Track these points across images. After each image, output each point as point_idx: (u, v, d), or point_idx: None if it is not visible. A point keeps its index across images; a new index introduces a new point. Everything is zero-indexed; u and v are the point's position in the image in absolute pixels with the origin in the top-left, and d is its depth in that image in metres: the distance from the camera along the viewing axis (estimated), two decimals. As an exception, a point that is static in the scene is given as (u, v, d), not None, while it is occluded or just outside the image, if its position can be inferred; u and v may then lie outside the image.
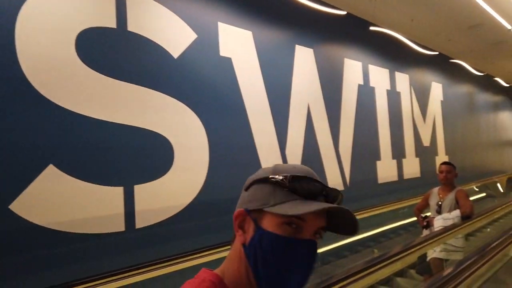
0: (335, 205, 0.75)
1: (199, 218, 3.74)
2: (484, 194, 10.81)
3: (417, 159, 7.60)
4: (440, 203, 3.60)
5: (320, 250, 4.96)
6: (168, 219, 3.47)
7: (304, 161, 4.93)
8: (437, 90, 8.69)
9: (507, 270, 4.01)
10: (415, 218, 6.69)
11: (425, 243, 3.06)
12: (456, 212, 3.36)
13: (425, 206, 3.88)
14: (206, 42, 3.96)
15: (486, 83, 11.57)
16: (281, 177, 0.76)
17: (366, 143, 6.29)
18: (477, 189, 10.52)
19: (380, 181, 6.47)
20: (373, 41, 6.67)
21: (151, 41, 3.48)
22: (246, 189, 0.81)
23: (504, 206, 6.15)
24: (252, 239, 0.76)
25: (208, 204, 3.79)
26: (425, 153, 7.91)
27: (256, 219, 0.76)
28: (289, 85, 4.95)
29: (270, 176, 0.78)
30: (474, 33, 7.61)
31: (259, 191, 0.78)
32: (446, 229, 3.23)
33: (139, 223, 3.26)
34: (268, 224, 0.75)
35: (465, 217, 3.42)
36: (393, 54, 7.22)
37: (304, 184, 0.76)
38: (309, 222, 0.74)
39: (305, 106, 5.15)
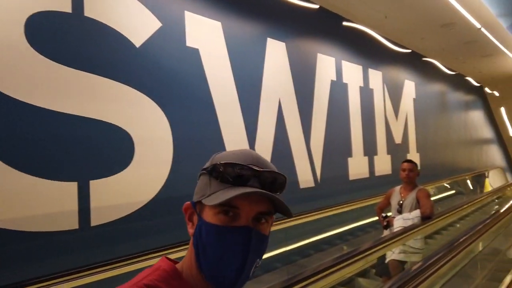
0: (254, 190, 0.73)
1: (161, 215, 3.58)
2: (454, 191, 11.07)
3: (389, 156, 7.65)
4: (401, 202, 3.53)
5: (284, 249, 4.97)
6: (127, 216, 3.30)
7: (274, 156, 4.83)
8: (409, 88, 8.76)
9: (473, 265, 4.11)
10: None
11: (381, 246, 2.94)
12: (416, 212, 3.30)
13: (387, 205, 3.79)
14: (171, 32, 3.79)
15: (458, 82, 11.80)
16: (210, 167, 0.77)
17: (338, 140, 6.25)
18: (448, 186, 10.76)
19: (351, 177, 6.46)
20: (347, 37, 6.63)
21: (111, 28, 3.29)
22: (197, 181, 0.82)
23: (470, 203, 6.25)
24: (195, 231, 0.77)
25: (172, 201, 3.64)
26: (396, 150, 7.97)
27: (199, 211, 0.77)
28: (260, 79, 4.83)
29: (205, 167, 0.79)
30: (446, 32, 7.69)
31: (200, 183, 0.79)
32: (405, 230, 3.16)
33: (95, 221, 3.08)
34: (207, 214, 0.75)
35: (425, 218, 3.35)
36: (367, 51, 7.21)
37: (233, 170, 0.74)
38: (243, 209, 0.73)
39: (276, 101, 5.04)
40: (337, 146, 6.20)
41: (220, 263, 0.73)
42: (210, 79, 4.13)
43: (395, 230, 3.31)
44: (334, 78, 6.24)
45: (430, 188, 9.56)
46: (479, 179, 12.25)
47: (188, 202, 0.81)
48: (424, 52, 9.26)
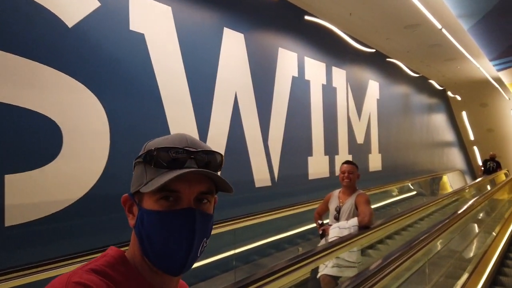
0: (189, 169, 0.73)
1: (93, 214, 3.25)
2: (415, 192, 11.19)
3: (350, 156, 7.55)
4: (338, 208, 3.23)
5: (247, 247, 4.77)
6: (51, 216, 2.95)
7: (228, 153, 4.57)
8: (373, 88, 8.72)
9: (431, 263, 4.01)
10: None
11: (309, 260, 2.50)
12: (354, 221, 2.93)
13: (325, 210, 3.48)
14: (112, 13, 3.44)
15: (422, 84, 11.95)
16: (143, 154, 0.76)
17: (298, 138, 6.07)
18: (412, 187, 10.87)
19: (311, 177, 6.30)
20: (310, 33, 6.45)
21: (38, 3, 2.92)
22: (133, 171, 0.81)
23: (426, 205, 6.22)
24: (136, 221, 0.76)
25: (106, 199, 3.31)
26: (358, 150, 7.90)
27: (138, 201, 0.77)
28: (215, 71, 4.56)
29: (139, 155, 0.78)
30: (410, 34, 7.66)
31: (136, 173, 0.78)
32: (341, 240, 2.80)
33: (10, 220, 2.72)
34: (147, 203, 0.75)
35: (363, 227, 2.99)
36: (331, 48, 7.07)
37: (168, 154, 0.74)
38: (183, 191, 0.74)
39: (232, 95, 4.79)
40: (296, 144, 6.02)
41: (167, 248, 0.73)
42: (156, 68, 3.82)
43: (329, 240, 2.96)
44: (296, 74, 6.04)
45: (395, 188, 9.64)
46: (439, 181, 12.51)
47: (126, 195, 0.79)
48: (389, 53, 9.26)
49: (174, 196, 0.73)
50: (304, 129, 6.24)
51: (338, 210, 3.18)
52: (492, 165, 12.62)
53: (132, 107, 3.59)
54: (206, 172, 0.74)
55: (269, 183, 5.38)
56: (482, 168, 12.97)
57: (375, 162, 8.62)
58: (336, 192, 3.40)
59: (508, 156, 15.84)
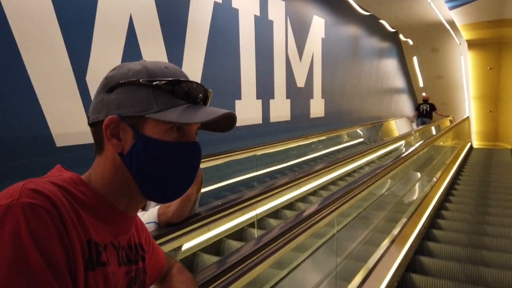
0: (227, 111, 0.74)
1: None
2: (362, 139, 10.85)
3: (288, 100, 6.82)
4: None
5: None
6: None
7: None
8: (318, 25, 7.84)
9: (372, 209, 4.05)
10: (268, 170, 6.02)
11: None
12: (153, 212, 1.62)
13: None
14: None
15: (372, 25, 11.18)
16: (163, 82, 0.73)
17: (223, 78, 5.19)
18: (360, 133, 10.47)
19: (239, 123, 5.52)
20: (238, -50, 5.35)
21: None
22: (109, 91, 0.73)
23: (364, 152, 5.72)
24: (134, 147, 0.72)
25: None
26: (298, 95, 7.16)
27: (135, 126, 0.72)
28: (98, -15, 3.48)
29: (147, 80, 0.72)
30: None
31: (134, 96, 0.72)
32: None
33: None
34: (153, 131, 0.72)
35: (166, 224, 1.72)
36: (266, -27, 6.02)
37: (185, 87, 0.74)
38: (192, 126, 0.75)
39: (125, 19, 3.75)
40: (220, 85, 5.15)
41: (172, 179, 0.73)
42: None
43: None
44: (220, 0, 5.03)
45: (345, 135, 9.14)
46: (384, 128, 12.23)
47: (114, 116, 0.71)
48: (337, -14, 8.32)
49: (184, 129, 0.74)
50: (231, 68, 5.35)
51: None
52: (425, 108, 11.91)
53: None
54: (233, 115, 0.76)
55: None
56: (416, 112, 12.22)
57: (317, 108, 7.96)
58: None
59: (455, 103, 15.89)
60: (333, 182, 6.15)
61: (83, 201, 0.68)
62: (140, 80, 0.72)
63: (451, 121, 12.28)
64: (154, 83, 0.71)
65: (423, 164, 7.02)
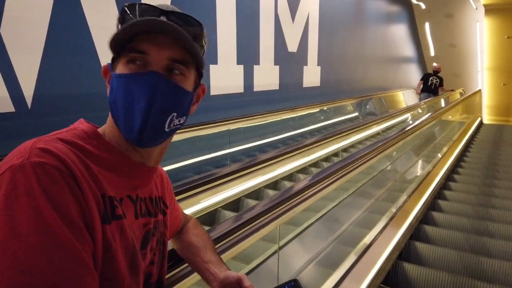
0: (152, 18, 0.68)
1: None
2: (365, 111, 10.17)
3: (276, 67, 6.08)
4: None
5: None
6: None
7: (69, 56, 2.97)
8: (316, -18, 6.96)
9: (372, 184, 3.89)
10: (240, 147, 5.36)
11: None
12: None
13: None
14: None
15: (381, -14, 10.17)
16: (119, 16, 0.73)
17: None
18: (368, 106, 9.79)
19: (214, 92, 4.85)
20: None
21: None
22: None
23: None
24: (108, 88, 0.74)
25: None
26: (289, 61, 6.40)
27: (113, 67, 0.74)
28: None
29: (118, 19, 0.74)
30: None
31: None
32: None
33: None
34: (118, 68, 0.72)
35: None
36: None
37: (137, 10, 0.70)
38: (151, 54, 0.69)
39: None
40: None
41: (127, 114, 0.69)
42: None
43: None
44: None
45: (350, 105, 8.42)
46: (390, 99, 11.43)
47: (106, 64, 0.75)
48: None
49: (143, 60, 0.69)
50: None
51: None
52: (435, 82, 10.03)
53: None
54: (171, 25, 0.68)
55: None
56: (422, 85, 10.31)
57: (312, 76, 7.20)
58: None
59: (467, 75, 14.89)
60: (326, 158, 5.56)
61: (95, 155, 0.68)
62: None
63: (461, 94, 11.41)
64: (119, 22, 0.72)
65: (428, 139, 6.54)
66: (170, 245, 0.98)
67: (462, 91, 11.85)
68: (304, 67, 6.90)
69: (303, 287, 0.78)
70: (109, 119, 0.74)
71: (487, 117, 14.30)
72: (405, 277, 2.73)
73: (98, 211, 0.63)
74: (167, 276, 0.98)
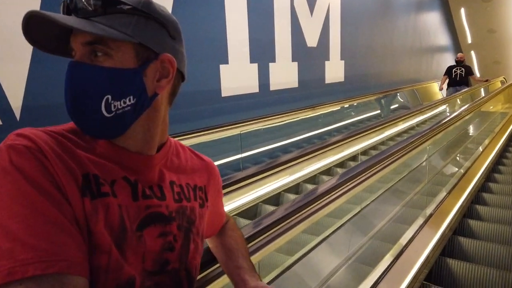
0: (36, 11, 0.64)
1: None
2: (396, 105, 9.66)
3: (295, 64, 5.75)
4: None
5: None
6: None
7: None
8: (335, -29, 6.55)
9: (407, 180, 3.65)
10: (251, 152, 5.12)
11: None
12: None
13: None
14: None
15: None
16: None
17: (201, 38, 4.23)
18: (400, 99, 9.29)
19: (225, 93, 4.60)
20: None
21: None
22: None
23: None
24: None
25: None
26: (308, 56, 6.05)
27: None
28: None
29: None
30: None
31: None
32: None
33: None
34: None
35: None
36: None
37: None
38: (72, 45, 0.69)
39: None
40: (200, 45, 4.21)
41: (66, 103, 0.69)
42: None
43: None
44: None
45: (378, 100, 7.97)
46: (424, 91, 10.76)
47: None
48: None
49: (73, 51, 0.70)
50: (214, 25, 4.37)
51: None
52: (460, 72, 8.93)
53: None
54: (45, 14, 0.63)
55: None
56: (445, 77, 9.19)
57: (335, 71, 6.81)
58: None
59: (509, 62, 13.86)
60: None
61: (85, 145, 0.70)
62: None
63: (502, 82, 10.56)
64: None
65: (465, 133, 6.18)
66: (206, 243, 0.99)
67: (503, 79, 10.97)
68: (326, 62, 6.52)
69: None
70: None
71: (533, 107, 13.22)
72: (449, 274, 2.62)
73: (76, 184, 0.64)
74: (204, 273, 1.03)
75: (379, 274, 2.25)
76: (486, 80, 9.95)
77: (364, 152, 5.46)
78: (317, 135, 5.93)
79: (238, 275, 0.89)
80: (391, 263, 2.37)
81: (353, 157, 5.19)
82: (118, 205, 0.69)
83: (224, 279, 1.08)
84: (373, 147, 5.83)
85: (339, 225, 2.86)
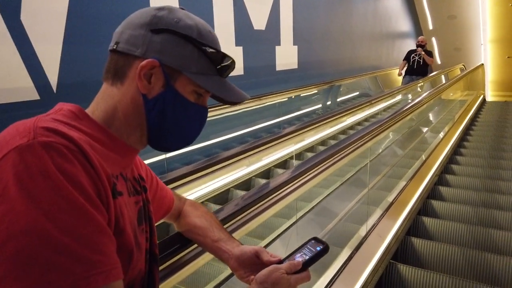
0: (248, 96, 0.80)
1: None
2: (357, 93, 9.37)
3: (239, 48, 5.18)
4: None
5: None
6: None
7: None
8: None
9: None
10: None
11: None
12: None
13: None
14: None
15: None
16: (211, 49, 0.74)
17: (118, 13, 3.58)
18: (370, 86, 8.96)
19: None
20: None
21: None
22: (155, 32, 0.71)
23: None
24: (161, 95, 0.73)
25: None
26: (255, 41, 5.49)
27: (169, 77, 0.73)
28: None
29: (198, 40, 0.73)
30: None
31: (180, 48, 0.72)
32: None
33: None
34: (182, 87, 0.74)
35: None
36: None
37: (225, 61, 0.76)
38: (207, 93, 0.77)
39: None
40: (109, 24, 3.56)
41: (185, 134, 0.77)
42: None
43: None
44: None
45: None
46: (385, 78, 10.50)
47: (156, 61, 0.70)
48: None
49: (202, 96, 0.76)
50: (133, 1, 3.71)
51: None
52: (418, 59, 8.11)
53: None
54: (247, 98, 0.80)
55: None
56: (404, 63, 8.40)
57: (287, 57, 6.28)
58: None
59: (469, 48, 13.85)
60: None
61: (91, 135, 0.68)
62: (193, 37, 0.72)
63: (461, 70, 10.42)
64: (203, 47, 0.73)
65: (426, 121, 6.31)
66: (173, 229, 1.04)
67: (462, 66, 10.84)
68: (277, 47, 5.98)
69: (323, 241, 0.84)
70: (118, 99, 0.72)
71: (490, 93, 13.33)
72: (414, 252, 2.75)
73: (110, 187, 0.64)
74: (175, 259, 1.05)
75: (349, 253, 2.29)
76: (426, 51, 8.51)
77: (323, 142, 5.42)
78: (264, 128, 5.44)
79: (219, 248, 0.92)
80: (359, 243, 2.43)
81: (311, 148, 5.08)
82: (126, 202, 0.70)
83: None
84: (332, 136, 5.76)
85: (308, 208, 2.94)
